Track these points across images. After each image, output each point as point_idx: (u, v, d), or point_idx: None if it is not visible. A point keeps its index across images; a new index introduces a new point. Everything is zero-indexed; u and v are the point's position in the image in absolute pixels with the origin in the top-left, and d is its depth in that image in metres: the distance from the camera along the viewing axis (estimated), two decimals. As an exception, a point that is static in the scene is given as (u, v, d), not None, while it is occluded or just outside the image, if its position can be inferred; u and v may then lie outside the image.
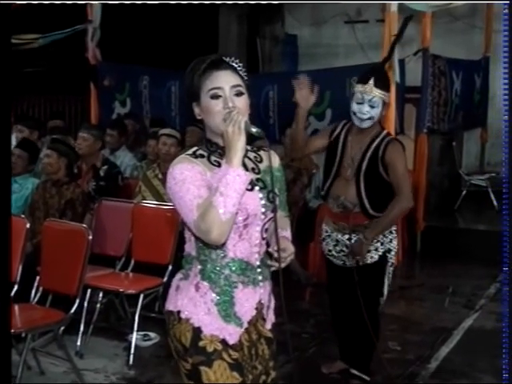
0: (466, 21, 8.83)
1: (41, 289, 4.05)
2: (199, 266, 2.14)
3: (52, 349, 4.14)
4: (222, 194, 1.92)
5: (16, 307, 3.84)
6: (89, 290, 4.32)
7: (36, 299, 4.05)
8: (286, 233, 2.33)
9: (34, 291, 4.08)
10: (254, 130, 2.04)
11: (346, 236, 3.58)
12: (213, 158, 2.13)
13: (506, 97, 2.81)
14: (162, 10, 9.38)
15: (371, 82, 3.42)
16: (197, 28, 9.51)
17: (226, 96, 2.06)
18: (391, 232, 3.59)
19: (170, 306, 2.18)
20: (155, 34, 9.68)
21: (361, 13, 9.80)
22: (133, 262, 4.67)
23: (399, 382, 3.97)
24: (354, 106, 3.48)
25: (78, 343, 4.25)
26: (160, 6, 9.03)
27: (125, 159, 6.31)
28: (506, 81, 2.80)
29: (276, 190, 2.16)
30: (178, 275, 2.22)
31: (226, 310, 2.12)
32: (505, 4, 2.83)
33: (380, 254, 3.56)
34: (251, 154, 2.22)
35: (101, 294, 4.47)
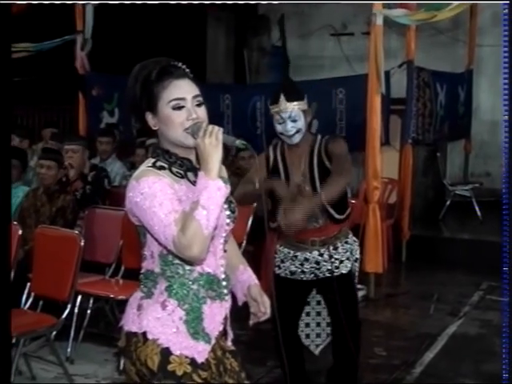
0: (450, 34, 9.00)
1: (32, 295, 4.09)
2: (165, 283, 2.02)
3: (43, 354, 4.18)
4: (204, 208, 1.84)
5: (8, 313, 3.89)
6: (79, 297, 4.35)
7: (27, 305, 4.09)
8: (249, 269, 2.30)
9: (24, 297, 4.12)
10: (237, 142, 1.98)
11: (316, 252, 3.47)
12: (174, 170, 2.02)
13: (506, 97, 2.86)
14: (150, 21, 9.46)
15: (282, 98, 3.31)
16: (185, 40, 9.59)
17: (189, 107, 1.98)
18: (355, 241, 3.58)
19: (132, 327, 2.03)
20: (143, 45, 9.75)
21: (346, 26, 9.94)
22: (123, 268, 4.73)
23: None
24: (278, 128, 3.35)
25: (69, 349, 4.28)
26: (149, 16, 9.12)
27: (114, 167, 6.36)
28: (506, 81, 2.85)
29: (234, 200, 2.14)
30: (138, 294, 2.09)
31: (195, 327, 2.02)
32: (504, 4, 2.90)
33: (352, 262, 3.53)
34: None
35: (91, 300, 4.51)
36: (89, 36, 7.23)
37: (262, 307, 2.23)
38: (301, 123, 3.33)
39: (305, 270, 3.51)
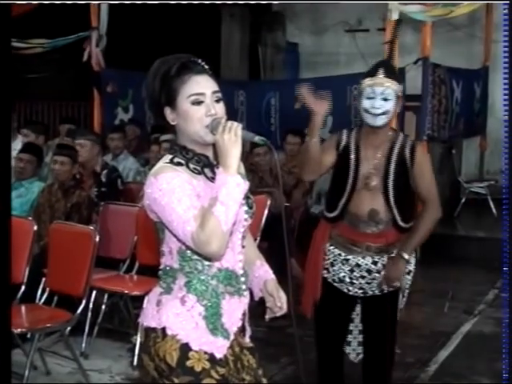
0: (466, 30, 8.94)
1: (47, 290, 4.11)
2: (184, 279, 2.03)
3: (57, 349, 4.20)
4: (223, 204, 1.85)
5: (23, 307, 3.92)
6: (94, 292, 4.36)
7: (42, 300, 4.11)
8: (266, 264, 2.28)
9: (39, 292, 4.14)
10: (256, 138, 1.98)
11: (370, 259, 3.14)
12: (191, 166, 2.02)
13: (506, 97, 2.85)
14: (164, 18, 9.48)
15: (381, 72, 3.02)
16: (199, 36, 9.59)
17: (208, 102, 1.98)
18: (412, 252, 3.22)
19: (152, 322, 2.04)
20: (158, 42, 9.77)
21: (361, 22, 9.91)
22: (137, 264, 4.73)
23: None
24: (365, 103, 3.03)
25: (83, 344, 4.30)
26: (163, 13, 9.13)
27: (127, 163, 6.37)
28: (506, 81, 2.84)
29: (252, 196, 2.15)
30: (157, 289, 2.09)
31: (214, 322, 2.03)
32: (504, 4, 2.89)
33: (404, 276, 3.18)
34: None
35: (106, 296, 4.53)
36: (103, 32, 7.26)
37: (279, 302, 2.21)
38: (391, 105, 3.03)
39: (353, 279, 3.16)
